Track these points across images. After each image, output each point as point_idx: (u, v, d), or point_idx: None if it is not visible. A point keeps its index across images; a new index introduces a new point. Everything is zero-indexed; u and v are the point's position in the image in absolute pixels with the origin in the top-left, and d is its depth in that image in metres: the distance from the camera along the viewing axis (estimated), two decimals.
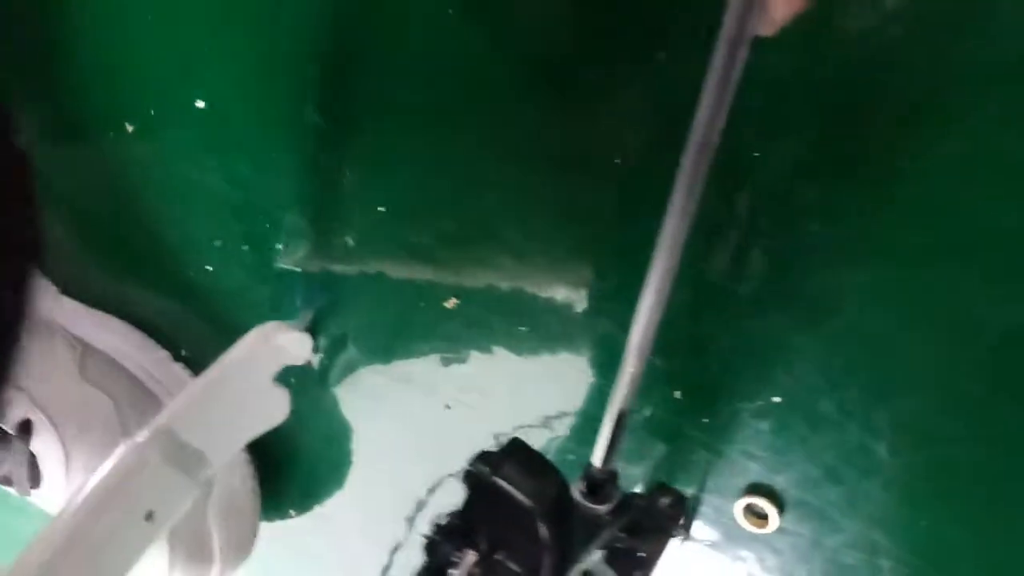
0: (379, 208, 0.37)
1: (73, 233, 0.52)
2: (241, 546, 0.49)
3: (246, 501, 0.49)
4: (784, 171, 0.27)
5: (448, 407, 0.41)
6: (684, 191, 0.21)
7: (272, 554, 0.53)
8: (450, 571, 0.25)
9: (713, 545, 0.34)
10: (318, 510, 0.51)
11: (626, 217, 0.30)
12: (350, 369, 0.44)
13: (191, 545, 0.46)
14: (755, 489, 0.32)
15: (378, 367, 0.43)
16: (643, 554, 0.25)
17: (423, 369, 0.41)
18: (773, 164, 0.27)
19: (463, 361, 0.39)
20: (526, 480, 0.25)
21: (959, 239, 0.25)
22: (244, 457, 0.49)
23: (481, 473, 0.26)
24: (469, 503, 0.26)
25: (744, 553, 0.34)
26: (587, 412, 0.35)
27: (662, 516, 0.26)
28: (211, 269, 0.46)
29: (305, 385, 0.46)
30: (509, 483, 0.25)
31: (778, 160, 0.27)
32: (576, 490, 0.28)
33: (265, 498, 0.51)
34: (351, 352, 0.43)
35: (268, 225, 0.42)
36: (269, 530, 0.53)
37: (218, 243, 0.44)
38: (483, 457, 0.26)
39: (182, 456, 0.38)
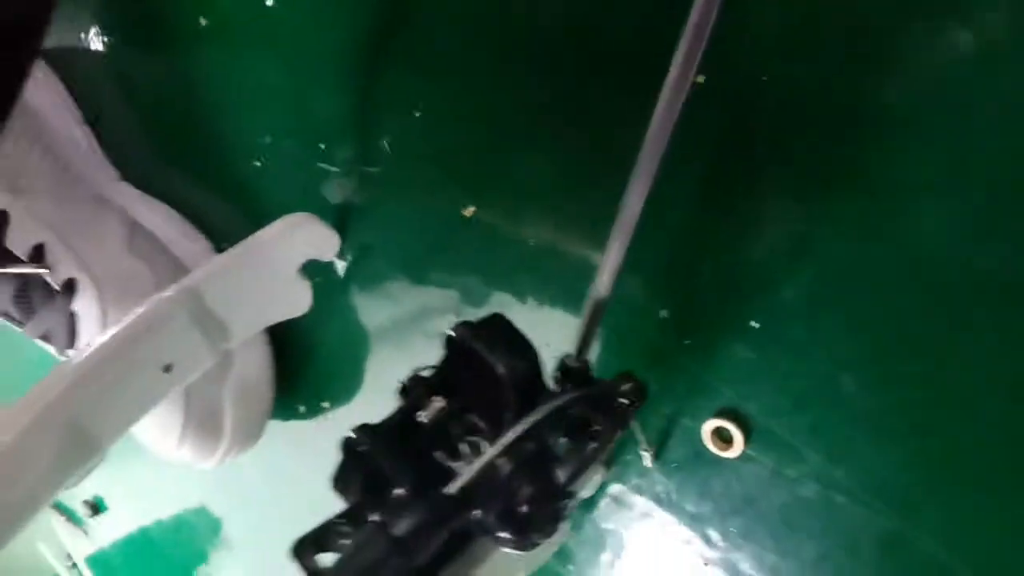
0: (415, 112, 0.39)
1: (137, 122, 0.56)
2: (251, 430, 0.52)
3: (261, 388, 0.52)
4: (774, 98, 0.29)
5: (456, 316, 0.43)
6: (666, 104, 0.22)
7: (277, 447, 0.56)
8: (419, 414, 0.27)
9: (680, 466, 0.36)
10: (327, 409, 0.53)
11: (623, 126, 0.32)
12: (373, 274, 0.47)
13: (204, 415, 0.49)
14: (724, 413, 0.34)
15: (397, 274, 0.45)
16: (598, 428, 0.27)
17: (437, 278, 0.43)
18: (766, 89, 0.29)
19: (475, 272, 0.41)
20: (501, 349, 0.27)
21: (936, 177, 0.26)
22: (265, 347, 0.52)
23: (461, 337, 0.28)
24: (445, 362, 0.28)
25: (708, 476, 0.35)
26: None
27: (621, 398, 0.28)
28: (259, 164, 0.49)
29: (329, 286, 0.49)
30: (485, 349, 0.27)
31: (770, 85, 0.29)
32: (551, 378, 0.30)
33: (278, 390, 0.54)
34: (375, 257, 0.46)
35: (314, 124, 0.44)
36: (276, 424, 0.56)
37: (268, 139, 0.47)
38: (464, 323, 0.28)
39: (205, 320, 0.41)
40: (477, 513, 0.25)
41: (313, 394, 0.54)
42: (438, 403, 0.26)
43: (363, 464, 0.26)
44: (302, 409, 0.55)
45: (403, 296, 0.45)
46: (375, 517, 0.24)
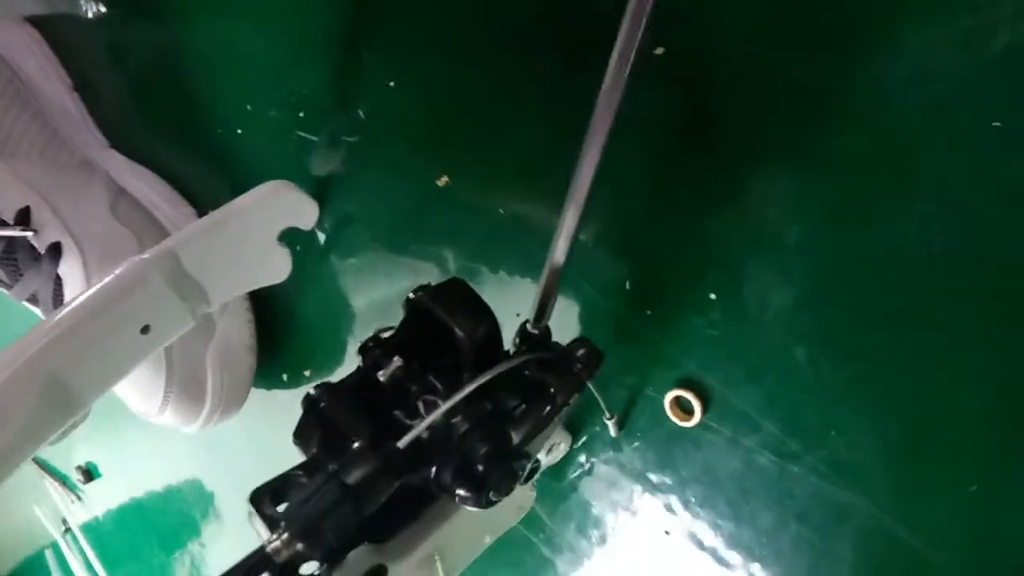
0: (390, 83, 0.40)
1: (124, 90, 0.56)
2: (233, 394, 0.53)
3: (243, 353, 0.52)
4: (731, 73, 0.29)
5: (431, 281, 0.43)
6: (613, 74, 0.23)
7: (262, 416, 0.57)
8: (378, 373, 0.27)
9: (643, 436, 0.37)
10: (308, 378, 0.54)
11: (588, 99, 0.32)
12: (353, 243, 0.47)
13: (186, 379, 0.50)
14: (685, 384, 0.34)
15: (374, 243, 0.46)
16: (552, 389, 0.27)
17: (412, 247, 0.43)
18: (724, 63, 0.29)
19: (449, 241, 0.41)
20: (460, 313, 0.28)
21: (886, 156, 0.27)
22: (246, 315, 0.53)
23: (420, 300, 0.29)
24: (405, 324, 0.29)
25: (670, 446, 0.36)
26: None
27: (576, 361, 0.28)
28: (240, 132, 0.49)
29: (310, 255, 0.49)
30: (444, 313, 0.28)
31: (727, 60, 0.29)
32: (512, 344, 0.31)
33: (262, 360, 0.55)
34: (355, 226, 0.46)
35: (294, 93, 0.45)
36: (261, 393, 0.56)
37: (249, 107, 0.48)
38: (424, 287, 0.29)
39: (182, 283, 0.41)
40: (435, 471, 0.26)
41: (295, 363, 0.54)
42: (396, 363, 0.27)
43: (322, 420, 0.27)
44: (285, 377, 0.55)
45: (383, 265, 0.46)
46: (330, 468, 0.25)
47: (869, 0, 0.26)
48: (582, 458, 0.40)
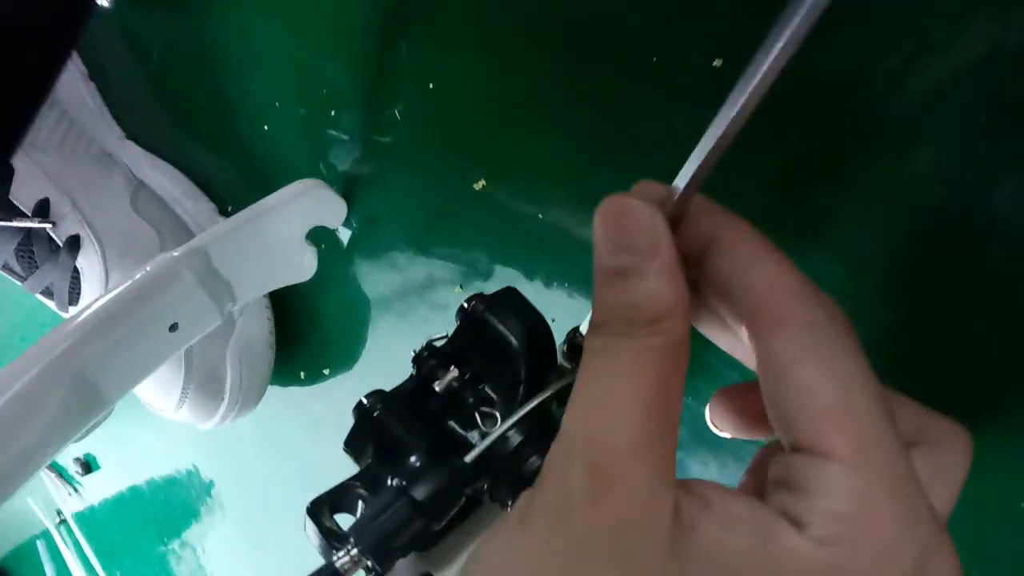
0: (429, 84, 0.39)
1: (144, 81, 0.55)
2: (251, 393, 0.52)
3: (262, 352, 0.52)
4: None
5: (461, 288, 0.43)
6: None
7: (275, 412, 0.57)
8: (434, 383, 0.27)
9: (681, 446, 0.36)
10: (327, 376, 0.54)
11: (638, 106, 0.32)
12: (378, 243, 0.47)
13: (205, 376, 0.50)
14: None
15: (402, 244, 0.45)
16: None
17: (443, 250, 0.43)
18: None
19: (482, 245, 0.41)
20: (515, 321, 0.28)
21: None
22: (266, 312, 0.53)
23: (475, 309, 0.28)
24: (459, 333, 0.28)
25: (707, 458, 0.36)
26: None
27: None
28: (267, 129, 0.49)
29: (334, 254, 0.49)
30: (499, 322, 0.28)
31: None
32: (560, 350, 0.31)
33: (279, 356, 0.54)
34: (381, 226, 0.46)
35: (325, 91, 0.44)
36: (276, 390, 0.56)
37: (278, 104, 0.47)
38: (479, 296, 0.29)
39: (211, 281, 0.41)
40: (490, 483, 0.26)
41: (314, 360, 0.54)
42: (453, 373, 0.27)
43: (376, 429, 0.26)
44: (302, 375, 0.55)
45: (408, 266, 0.46)
46: (393, 481, 0.24)
47: None
48: None
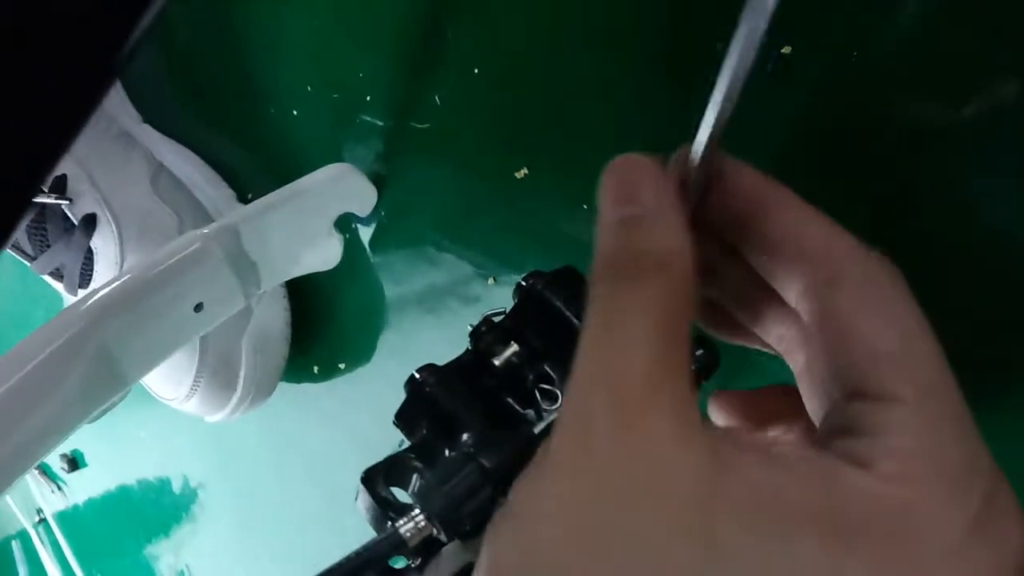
0: (474, 70, 0.39)
1: (164, 63, 0.54)
2: (264, 385, 0.51)
3: (278, 343, 0.51)
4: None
5: (495, 281, 0.42)
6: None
7: (282, 406, 0.55)
8: (493, 359, 0.26)
9: None
10: (342, 371, 0.52)
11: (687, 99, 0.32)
12: (406, 234, 0.46)
13: (219, 364, 0.48)
14: None
15: (434, 235, 0.44)
16: None
17: (478, 240, 0.42)
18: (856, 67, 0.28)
19: (520, 236, 0.40)
20: (574, 300, 0.27)
21: None
22: (284, 302, 0.51)
23: (533, 287, 0.27)
24: (516, 310, 0.28)
25: None
26: None
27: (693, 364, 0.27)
28: (296, 114, 0.48)
29: (358, 244, 0.48)
30: (560, 300, 0.27)
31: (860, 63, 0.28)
32: None
33: (292, 350, 0.53)
34: (411, 216, 0.45)
35: (362, 74, 0.44)
36: (285, 384, 0.55)
37: (310, 87, 0.46)
38: (537, 273, 0.28)
39: (240, 262, 0.40)
40: None
41: (329, 354, 0.53)
42: (513, 348, 0.26)
43: (430, 402, 0.25)
44: (316, 369, 0.54)
45: (437, 257, 0.45)
46: (453, 451, 0.23)
47: None
48: None
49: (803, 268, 0.20)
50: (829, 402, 0.20)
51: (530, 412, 0.26)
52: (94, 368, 0.36)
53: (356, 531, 0.56)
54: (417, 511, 0.22)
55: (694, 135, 0.21)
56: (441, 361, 0.30)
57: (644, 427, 0.17)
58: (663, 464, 0.17)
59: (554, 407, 0.24)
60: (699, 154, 0.21)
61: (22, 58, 0.18)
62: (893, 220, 0.29)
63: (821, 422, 0.20)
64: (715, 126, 0.20)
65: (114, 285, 0.36)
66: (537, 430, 0.24)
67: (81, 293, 0.51)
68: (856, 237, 0.20)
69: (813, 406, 0.22)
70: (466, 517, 0.22)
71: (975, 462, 0.18)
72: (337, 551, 0.26)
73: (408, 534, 0.22)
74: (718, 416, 0.28)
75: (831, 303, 0.19)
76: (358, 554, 0.22)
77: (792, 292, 0.21)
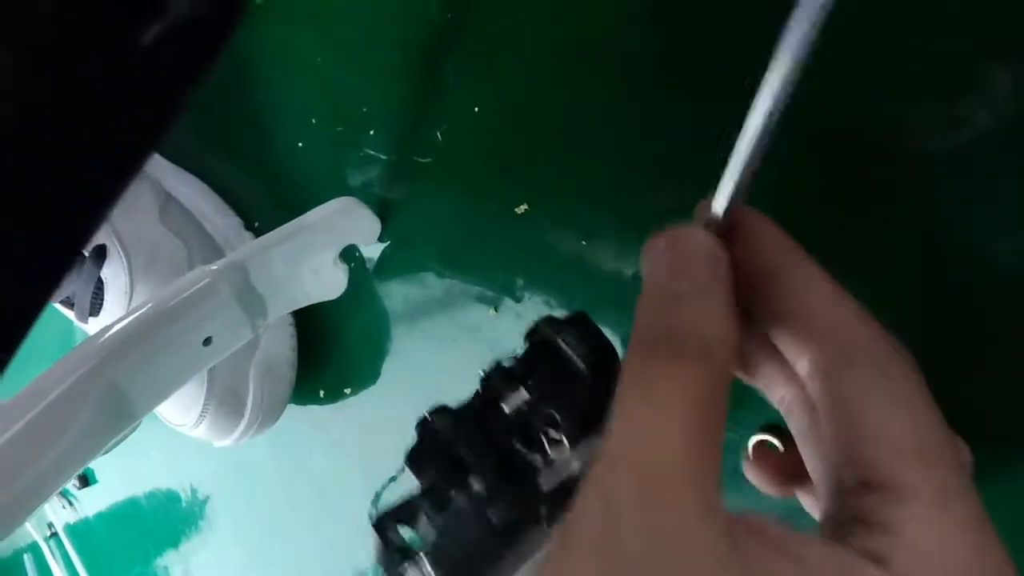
0: (475, 108, 0.40)
1: None
2: (271, 411, 0.52)
3: (284, 369, 0.52)
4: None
5: (495, 311, 0.43)
6: None
7: (290, 430, 0.56)
8: (501, 405, 0.27)
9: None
10: (348, 396, 0.53)
11: (692, 132, 0.32)
12: (409, 264, 0.47)
13: (227, 393, 0.49)
14: (769, 429, 0.34)
15: (435, 265, 0.45)
16: None
17: (479, 271, 0.43)
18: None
19: (520, 268, 0.41)
20: (585, 348, 0.28)
21: None
22: (290, 330, 0.52)
23: (545, 332, 0.28)
24: (527, 357, 0.28)
25: (747, 489, 0.36)
26: None
27: None
28: (301, 145, 0.49)
29: (362, 273, 0.49)
30: (570, 348, 0.28)
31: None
32: None
33: (300, 374, 0.54)
34: (413, 247, 0.46)
35: (365, 109, 0.44)
36: (293, 408, 0.55)
37: (314, 120, 0.47)
38: (549, 320, 0.29)
39: (247, 296, 0.41)
40: (546, 508, 0.26)
41: (335, 379, 0.53)
42: (522, 395, 0.27)
43: (441, 446, 0.26)
44: (322, 394, 0.55)
45: (438, 287, 0.45)
46: (461, 499, 0.24)
47: None
48: None
49: (813, 344, 0.20)
50: (836, 481, 0.20)
51: (536, 457, 0.27)
52: (105, 405, 0.37)
53: (361, 548, 0.57)
54: (423, 560, 0.23)
55: (717, 183, 0.20)
56: (444, 389, 0.31)
57: (671, 519, 0.17)
58: (687, 556, 0.17)
59: (561, 456, 0.25)
60: (722, 205, 0.20)
61: None
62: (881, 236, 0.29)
63: (831, 505, 0.20)
64: (741, 177, 0.19)
65: (124, 323, 0.37)
66: (546, 488, 0.25)
67: (92, 321, 0.52)
68: (869, 316, 0.20)
69: (817, 472, 0.22)
70: (473, 572, 0.23)
71: (988, 553, 0.18)
72: (342, 569, 0.27)
73: None
74: (753, 474, 0.28)
75: (843, 388, 0.19)
76: None
77: (800, 364, 0.20)
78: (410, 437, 0.51)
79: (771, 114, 0.17)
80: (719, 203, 0.20)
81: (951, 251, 0.27)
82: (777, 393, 0.23)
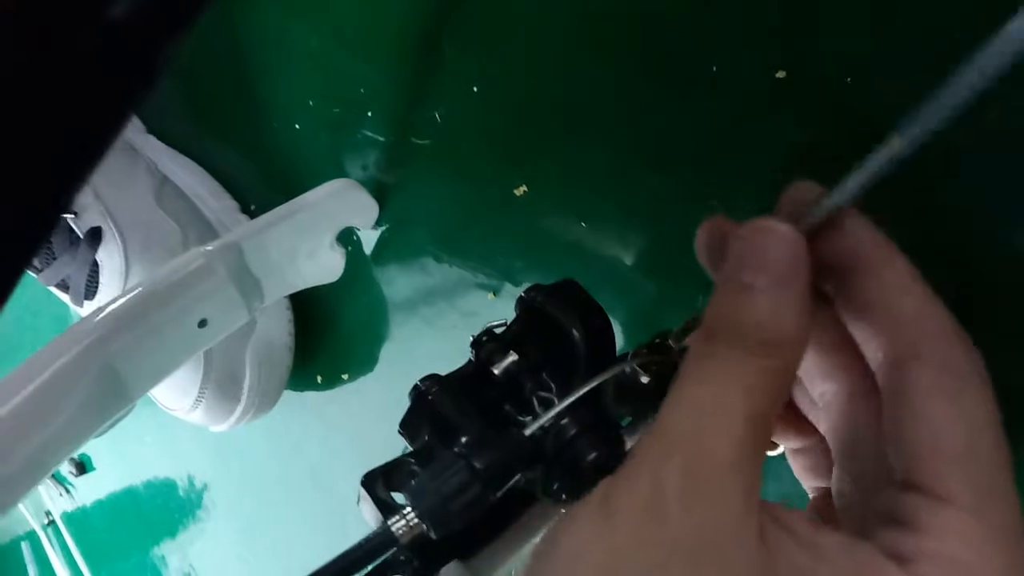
0: (473, 88, 0.39)
1: (174, 79, 0.55)
2: (267, 396, 0.52)
3: (281, 355, 0.51)
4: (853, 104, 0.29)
5: (494, 294, 0.43)
6: None
7: (286, 415, 0.56)
8: (492, 367, 0.27)
9: None
10: (345, 381, 0.53)
11: (689, 115, 0.32)
12: (407, 247, 0.46)
13: (223, 377, 0.49)
14: None
15: (434, 249, 0.45)
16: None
17: (477, 254, 0.43)
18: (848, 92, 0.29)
19: (519, 251, 0.41)
20: (573, 311, 0.27)
21: None
22: (287, 314, 0.52)
23: (534, 299, 0.28)
24: (517, 321, 0.28)
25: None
26: (642, 309, 0.37)
27: None
28: (298, 127, 0.48)
29: (360, 257, 0.49)
30: (559, 312, 0.27)
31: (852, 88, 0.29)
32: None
33: (297, 360, 0.53)
34: (411, 230, 0.46)
35: (363, 90, 0.44)
36: (290, 394, 0.55)
37: (312, 102, 0.47)
38: (537, 287, 0.28)
39: (243, 278, 0.40)
40: (540, 473, 0.25)
41: (333, 365, 0.53)
42: (512, 357, 0.26)
43: (431, 410, 0.26)
44: (319, 379, 0.54)
45: (438, 271, 0.45)
46: (447, 455, 0.24)
47: None
48: None
49: (888, 336, 0.20)
50: (877, 475, 0.20)
51: (528, 419, 0.27)
52: (100, 384, 0.36)
53: (359, 534, 0.57)
54: (409, 510, 0.23)
55: (834, 185, 0.19)
56: (442, 372, 0.31)
57: (715, 504, 0.17)
58: (723, 541, 0.17)
59: (550, 414, 0.25)
60: (828, 207, 0.19)
61: None
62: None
63: (865, 498, 0.21)
64: (862, 188, 0.19)
65: (119, 303, 0.36)
66: (528, 432, 0.24)
67: (87, 304, 0.52)
68: (945, 312, 0.20)
69: (846, 469, 0.22)
70: (455, 515, 0.23)
71: (1017, 571, 0.18)
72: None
73: (400, 531, 0.23)
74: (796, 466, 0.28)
75: (907, 379, 0.19)
76: (351, 551, 0.23)
77: (871, 351, 0.20)
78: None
79: (915, 140, 0.17)
80: (826, 205, 0.19)
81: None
82: (817, 388, 0.23)
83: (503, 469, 0.23)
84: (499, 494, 0.24)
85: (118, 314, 0.36)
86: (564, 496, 0.26)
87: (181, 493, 0.75)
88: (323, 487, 0.58)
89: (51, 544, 1.02)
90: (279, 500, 0.64)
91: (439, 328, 0.46)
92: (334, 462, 0.57)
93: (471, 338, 0.27)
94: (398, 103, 0.43)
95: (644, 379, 0.26)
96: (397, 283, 0.48)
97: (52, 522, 0.99)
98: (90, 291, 0.51)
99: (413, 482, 0.24)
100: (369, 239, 0.48)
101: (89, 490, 0.90)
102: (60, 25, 0.18)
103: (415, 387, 0.27)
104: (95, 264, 0.50)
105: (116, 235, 0.49)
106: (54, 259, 0.51)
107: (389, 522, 0.23)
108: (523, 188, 0.39)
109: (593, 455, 0.26)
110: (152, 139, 0.55)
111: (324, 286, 0.47)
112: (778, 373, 0.18)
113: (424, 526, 0.23)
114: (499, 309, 0.43)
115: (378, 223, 0.47)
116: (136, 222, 0.49)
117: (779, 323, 0.18)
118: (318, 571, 0.23)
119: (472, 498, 0.23)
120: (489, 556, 0.30)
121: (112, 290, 0.50)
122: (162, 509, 0.78)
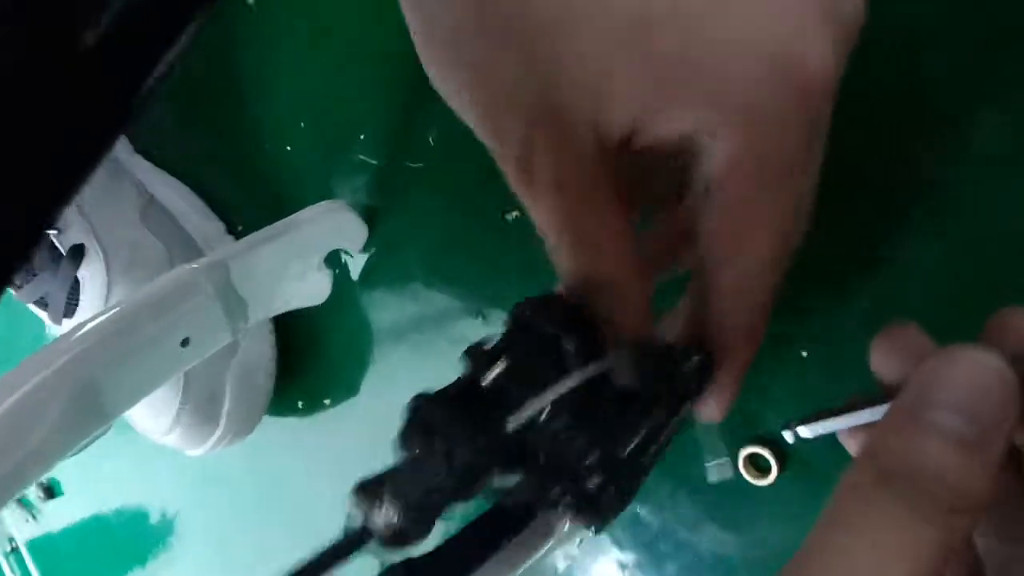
0: None
1: (163, 99, 0.54)
2: (246, 420, 0.51)
3: (262, 379, 0.50)
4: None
5: (483, 319, 0.42)
6: None
7: (265, 441, 0.55)
8: (481, 378, 0.26)
9: (710, 492, 0.36)
10: (327, 407, 0.52)
11: None
12: (395, 271, 0.46)
13: (202, 399, 0.48)
14: (762, 441, 0.34)
15: (423, 273, 0.44)
16: (658, 399, 0.26)
17: (467, 279, 0.42)
18: None
19: (510, 276, 0.40)
20: (565, 320, 0.27)
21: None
22: (270, 337, 0.51)
23: (523, 311, 0.28)
24: (507, 335, 0.28)
25: (744, 504, 0.35)
26: None
27: (685, 377, 0.27)
28: (290, 149, 0.48)
29: (346, 280, 0.48)
30: (549, 321, 0.27)
31: None
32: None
33: (277, 384, 0.52)
34: (400, 253, 0.45)
35: (356, 113, 0.44)
36: (269, 419, 0.54)
37: (303, 124, 0.47)
38: (526, 299, 0.28)
39: (229, 296, 0.40)
40: (539, 482, 0.25)
41: (315, 390, 0.52)
42: (500, 366, 0.26)
43: (424, 424, 0.26)
44: (300, 404, 0.53)
45: (425, 297, 0.45)
46: (431, 458, 0.24)
47: None
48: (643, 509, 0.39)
49: None
50: None
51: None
52: (78, 402, 0.35)
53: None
54: (385, 503, 0.22)
55: None
56: None
57: None
58: None
59: (531, 407, 0.25)
60: None
61: None
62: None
63: None
64: None
65: (100, 319, 0.36)
66: (510, 428, 0.24)
67: (66, 323, 0.51)
68: None
69: None
70: (429, 508, 0.22)
71: None
72: None
73: (372, 523, 0.22)
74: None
75: None
76: (328, 547, 0.22)
77: None
78: (391, 451, 0.50)
79: None
80: None
81: None
82: None
83: (479, 461, 0.23)
84: (478, 486, 0.24)
85: (99, 329, 0.36)
86: (564, 500, 0.25)
87: (153, 520, 0.73)
88: (300, 515, 0.57)
89: (13, 573, 0.98)
90: (254, 526, 0.63)
91: (425, 355, 0.46)
92: (312, 490, 0.55)
93: (464, 350, 0.27)
94: (391, 126, 0.43)
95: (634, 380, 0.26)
96: (384, 307, 0.47)
97: (15, 549, 0.96)
98: (70, 309, 0.50)
99: (396, 485, 0.24)
100: (357, 262, 0.47)
101: (57, 516, 0.88)
102: (34, 50, 0.17)
103: (409, 403, 0.26)
104: (76, 282, 0.49)
105: (99, 253, 0.48)
106: (34, 275, 0.50)
107: (363, 511, 0.23)
108: (516, 213, 0.39)
109: (593, 456, 0.25)
110: (139, 158, 0.55)
111: (308, 309, 0.47)
112: (954, 540, 0.16)
113: (396, 518, 0.23)
114: (487, 334, 0.42)
115: (367, 246, 0.46)
116: (120, 240, 0.49)
117: (971, 485, 0.15)
118: (298, 570, 0.23)
119: (446, 491, 0.23)
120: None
121: (92, 308, 0.49)
122: (133, 536, 0.76)
